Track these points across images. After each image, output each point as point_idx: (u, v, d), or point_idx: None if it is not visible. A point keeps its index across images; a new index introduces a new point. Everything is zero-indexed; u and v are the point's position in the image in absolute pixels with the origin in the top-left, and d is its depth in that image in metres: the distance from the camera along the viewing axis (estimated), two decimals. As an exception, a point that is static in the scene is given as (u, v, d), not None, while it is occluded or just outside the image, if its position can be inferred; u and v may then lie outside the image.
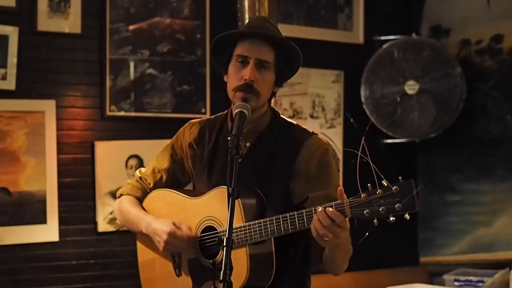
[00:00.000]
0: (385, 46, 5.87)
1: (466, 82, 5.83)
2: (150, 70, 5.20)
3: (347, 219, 2.45)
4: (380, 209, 2.37)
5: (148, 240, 2.96)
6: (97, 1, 5.05)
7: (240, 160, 2.56)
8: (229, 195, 2.42)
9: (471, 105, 5.92)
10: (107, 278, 5.05)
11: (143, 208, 3.06)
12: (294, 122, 2.95)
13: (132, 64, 5.14)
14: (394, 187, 2.36)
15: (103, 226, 5.03)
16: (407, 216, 2.35)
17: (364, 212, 2.40)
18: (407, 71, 5.83)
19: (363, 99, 5.87)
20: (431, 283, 5.80)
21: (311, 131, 2.89)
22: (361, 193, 2.41)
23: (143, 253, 3.08)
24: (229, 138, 2.55)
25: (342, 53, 5.96)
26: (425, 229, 6.23)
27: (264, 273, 2.68)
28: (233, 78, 2.80)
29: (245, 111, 2.68)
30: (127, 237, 5.03)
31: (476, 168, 6.00)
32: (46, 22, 4.86)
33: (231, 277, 2.44)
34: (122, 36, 5.10)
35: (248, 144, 2.80)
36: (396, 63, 5.84)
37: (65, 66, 4.99)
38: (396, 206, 2.35)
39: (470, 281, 5.43)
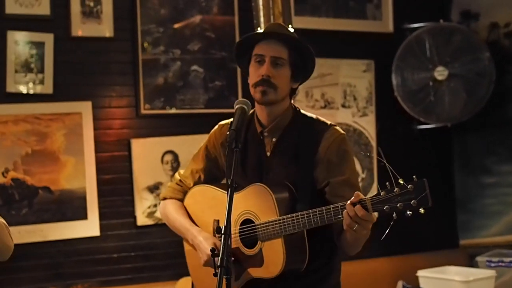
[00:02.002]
0: (414, 33, 5.81)
1: (496, 65, 5.75)
2: (182, 68, 5.27)
3: (373, 213, 2.65)
4: (398, 205, 2.54)
5: None
6: (128, 4, 5.14)
7: (268, 154, 3.02)
8: (228, 186, 2.60)
9: (502, 87, 5.84)
10: (147, 269, 5.14)
11: (185, 208, 3.26)
12: (314, 116, 3.14)
13: (164, 64, 5.21)
14: (409, 185, 2.53)
15: (142, 219, 5.12)
16: (422, 210, 2.52)
17: (384, 208, 2.58)
18: (436, 57, 5.78)
19: (394, 87, 5.83)
20: (471, 265, 5.74)
21: (329, 123, 3.09)
22: (380, 191, 2.59)
23: (188, 244, 3.24)
24: (228, 132, 2.74)
25: (372, 43, 5.93)
26: (463, 212, 6.17)
27: (299, 257, 2.89)
28: (253, 76, 3.01)
29: (245, 107, 2.85)
30: (166, 229, 4.98)
31: (510, 150, 5.93)
32: (80, 27, 4.97)
33: (271, 264, 2.86)
34: (154, 37, 5.18)
35: (274, 139, 3.05)
36: (426, 49, 5.79)
37: (100, 68, 5.09)
38: (412, 202, 2.53)
39: (502, 261, 5.37)
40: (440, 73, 5.76)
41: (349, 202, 2.65)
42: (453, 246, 6.20)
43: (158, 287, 5.07)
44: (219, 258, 2.47)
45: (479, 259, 5.52)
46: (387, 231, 2.62)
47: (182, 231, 3.21)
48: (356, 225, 2.64)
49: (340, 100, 5.78)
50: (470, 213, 6.12)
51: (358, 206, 2.62)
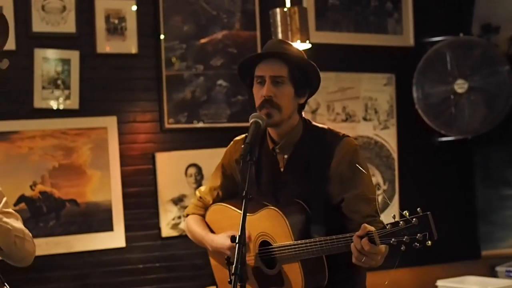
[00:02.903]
0: (434, 47, 5.78)
1: (515, 78, 5.71)
2: (205, 83, 5.29)
3: (380, 246, 2.61)
4: (404, 239, 2.51)
5: None
6: (152, 21, 5.18)
7: (282, 170, 2.99)
8: (243, 197, 2.61)
9: (521, 100, 5.80)
10: (172, 280, 5.16)
11: (207, 223, 3.30)
12: (326, 126, 3.08)
13: (188, 79, 5.24)
14: (414, 219, 2.50)
15: (166, 231, 5.15)
16: (429, 243, 2.49)
17: (391, 241, 2.55)
18: (457, 71, 5.76)
19: (415, 100, 5.81)
20: (492, 275, 5.69)
21: (341, 134, 3.01)
22: (385, 225, 2.56)
23: (214, 256, 3.27)
24: (242, 146, 2.75)
25: (393, 57, 5.91)
26: (484, 223, 6.12)
27: (319, 276, 2.87)
28: (256, 98, 2.98)
29: (260, 121, 2.83)
30: (190, 241, 4.96)
31: (530, 162, 5.89)
32: (105, 44, 5.03)
33: (292, 285, 2.86)
34: (177, 53, 5.20)
35: (286, 156, 3.01)
36: (446, 63, 5.76)
37: (124, 84, 5.14)
38: (417, 236, 2.49)
39: (521, 272, 5.34)
40: (460, 86, 5.73)
41: (355, 234, 2.62)
42: (475, 257, 6.14)
43: None
44: (234, 266, 2.49)
45: (498, 269, 5.49)
46: (396, 262, 2.62)
47: (202, 240, 3.24)
48: (364, 257, 2.61)
49: (361, 113, 5.77)
50: (492, 224, 6.07)
51: (364, 240, 2.58)
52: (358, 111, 5.76)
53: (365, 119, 5.78)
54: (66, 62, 4.92)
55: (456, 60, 5.78)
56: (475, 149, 6.14)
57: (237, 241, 2.54)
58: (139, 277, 5.09)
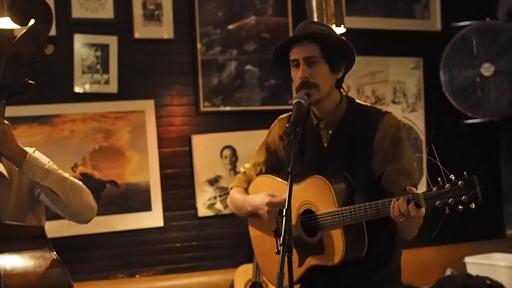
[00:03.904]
0: (461, 32, 5.77)
1: (541, 61, 5.70)
2: (239, 68, 5.34)
3: (421, 209, 2.64)
4: (449, 201, 2.53)
5: (256, 220, 3.20)
6: (187, 8, 5.23)
7: (325, 145, 2.99)
8: (288, 173, 2.63)
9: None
10: (208, 258, 5.23)
11: (248, 193, 3.30)
12: (369, 104, 3.10)
13: (222, 64, 5.29)
14: (460, 182, 2.51)
15: (203, 211, 5.21)
16: (473, 205, 2.50)
17: (436, 203, 2.57)
18: (483, 55, 5.76)
19: (442, 83, 5.82)
20: (516, 254, 5.71)
21: (384, 110, 3.02)
22: (432, 187, 2.58)
23: (254, 230, 3.28)
24: (287, 125, 2.78)
25: (421, 41, 5.93)
26: (509, 204, 6.15)
27: (358, 246, 2.87)
28: (295, 80, 2.99)
29: (302, 101, 2.85)
30: (225, 220, 5.23)
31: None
32: (142, 30, 5.08)
33: (332, 253, 2.86)
34: (212, 39, 5.24)
35: (330, 132, 3.01)
36: (472, 47, 5.77)
37: (161, 69, 5.19)
38: (462, 198, 2.50)
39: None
40: (487, 69, 5.74)
41: (402, 197, 2.64)
42: (501, 236, 6.18)
43: (218, 275, 5.13)
44: (281, 237, 2.52)
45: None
46: (439, 225, 2.61)
47: (242, 204, 3.24)
48: (404, 218, 2.65)
49: (390, 96, 5.80)
50: (517, 205, 6.08)
51: (411, 205, 2.61)
52: (387, 94, 5.79)
53: (393, 102, 5.81)
54: (104, 47, 4.98)
55: (482, 44, 5.80)
56: (501, 131, 6.18)
57: (284, 213, 2.57)
58: (177, 255, 5.17)
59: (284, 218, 2.56)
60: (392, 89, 5.80)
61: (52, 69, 4.80)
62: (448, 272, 5.59)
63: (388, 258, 3.03)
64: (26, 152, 2.73)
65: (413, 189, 2.65)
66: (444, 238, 5.75)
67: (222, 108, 5.28)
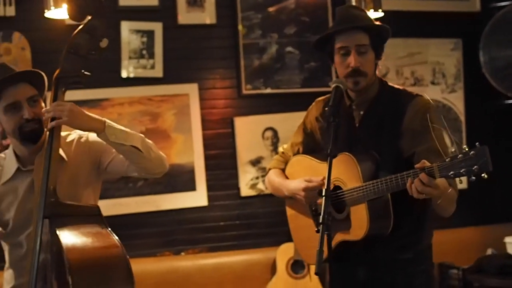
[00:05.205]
0: (500, 12, 5.85)
1: None
2: (279, 51, 5.52)
3: (436, 180, 2.71)
4: (461, 171, 2.61)
5: (292, 198, 3.35)
6: (229, -8, 5.40)
7: (357, 125, 3.12)
8: (328, 155, 2.79)
9: None
10: (250, 237, 5.43)
11: (285, 175, 3.45)
12: (401, 87, 3.21)
13: (262, 47, 5.48)
14: (472, 152, 2.58)
15: (245, 191, 5.42)
16: (485, 175, 2.58)
17: (449, 173, 2.64)
18: (523, 34, 5.82)
19: (482, 64, 5.86)
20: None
21: (415, 93, 3.14)
22: (445, 158, 2.66)
23: (290, 209, 3.45)
24: (326, 108, 2.92)
25: (460, 22, 5.99)
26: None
27: (383, 223, 2.99)
28: (341, 67, 3.11)
29: (341, 85, 2.99)
30: (267, 200, 5.39)
31: None
32: (186, 16, 5.29)
33: (357, 228, 2.98)
34: (253, 23, 5.45)
35: (361, 113, 3.15)
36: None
37: (204, 53, 5.39)
38: (474, 168, 2.57)
39: None
40: (526, 49, 5.80)
41: (416, 166, 2.73)
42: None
43: (260, 253, 5.32)
44: (321, 216, 2.66)
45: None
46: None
47: (279, 187, 3.39)
48: (423, 195, 2.73)
49: (429, 77, 5.91)
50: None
51: (422, 174, 2.70)
52: (426, 76, 5.90)
53: (433, 83, 5.91)
54: (150, 33, 5.21)
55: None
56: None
57: (323, 193, 2.71)
58: (220, 233, 5.38)
59: (324, 198, 2.70)
60: (431, 70, 5.90)
61: (102, 54, 5.05)
62: (489, 252, 5.64)
63: (418, 237, 3.13)
64: (104, 120, 2.94)
65: (426, 162, 2.72)
66: (484, 218, 5.86)
67: (263, 91, 5.47)
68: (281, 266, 5.14)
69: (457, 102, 5.99)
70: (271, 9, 5.50)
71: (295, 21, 5.55)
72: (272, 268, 5.23)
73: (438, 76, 5.92)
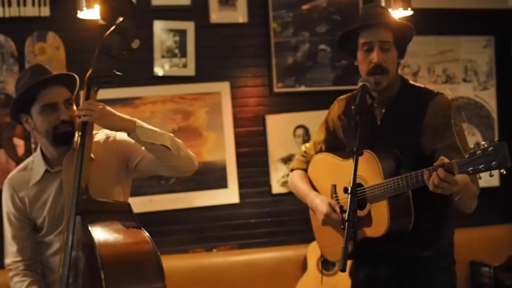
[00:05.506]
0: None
1: None
2: (311, 49, 5.54)
3: (457, 177, 2.72)
4: (480, 167, 2.61)
5: None
6: (260, -9, 5.42)
7: (378, 124, 3.13)
8: (354, 153, 2.81)
9: None
10: (282, 234, 5.45)
11: (308, 177, 3.49)
12: (422, 85, 3.23)
13: (294, 45, 5.50)
14: (490, 148, 2.59)
15: (276, 188, 5.45)
16: (503, 171, 2.59)
17: (468, 170, 2.66)
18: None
19: (514, 61, 5.89)
20: None
21: (436, 91, 3.15)
22: (464, 154, 2.67)
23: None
24: (353, 107, 2.91)
25: (492, 19, 5.95)
26: None
27: (404, 220, 3.01)
28: (363, 63, 3.13)
29: (367, 84, 3.02)
30: (298, 197, 5.40)
31: None
32: (217, 15, 5.34)
33: (378, 225, 3.00)
34: (284, 21, 5.47)
35: (383, 110, 3.17)
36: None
37: (236, 51, 5.43)
38: (492, 164, 2.58)
39: None
40: (559, 45, 5.77)
41: (435, 164, 2.75)
42: None
43: (291, 250, 5.34)
44: (347, 213, 2.70)
45: None
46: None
47: (303, 196, 3.44)
48: (439, 189, 2.74)
49: (461, 75, 5.88)
50: None
51: (440, 169, 2.70)
52: (458, 73, 5.87)
53: (464, 80, 5.89)
54: (182, 32, 5.25)
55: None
56: None
57: (349, 191, 2.74)
58: (252, 230, 5.42)
59: (349, 196, 2.72)
60: (463, 67, 5.88)
61: (133, 54, 5.12)
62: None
63: (439, 234, 3.15)
64: (134, 120, 3.00)
65: (445, 158, 2.73)
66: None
67: (295, 89, 5.49)
68: (311, 263, 5.17)
69: (489, 99, 5.95)
70: (304, 7, 5.51)
71: (326, 20, 5.56)
72: (303, 265, 5.24)
73: (470, 74, 5.90)
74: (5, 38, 4.97)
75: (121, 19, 3.05)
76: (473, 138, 5.72)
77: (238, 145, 5.39)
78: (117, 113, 3.02)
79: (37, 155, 3.21)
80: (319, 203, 3.28)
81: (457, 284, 3.25)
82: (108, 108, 3.00)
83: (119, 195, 3.23)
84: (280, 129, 5.47)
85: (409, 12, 4.54)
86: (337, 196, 3.29)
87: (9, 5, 4.95)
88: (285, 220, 5.48)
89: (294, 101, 5.54)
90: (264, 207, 5.47)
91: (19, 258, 3.19)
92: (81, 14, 4.22)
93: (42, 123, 3.08)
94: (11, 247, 3.21)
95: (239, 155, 5.39)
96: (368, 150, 3.03)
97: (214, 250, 5.31)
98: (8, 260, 3.22)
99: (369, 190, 3.07)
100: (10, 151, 4.96)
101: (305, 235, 5.34)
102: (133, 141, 3.07)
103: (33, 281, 3.17)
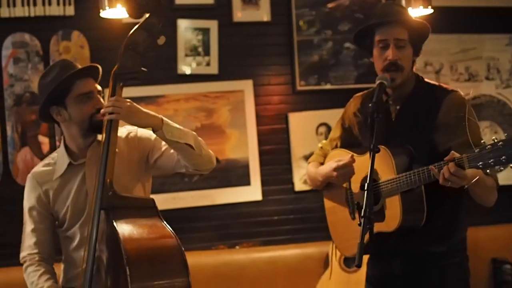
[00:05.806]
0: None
1: None
2: (334, 47, 5.55)
3: (467, 171, 2.74)
4: (490, 161, 2.64)
5: (329, 192, 3.47)
6: (283, -10, 5.44)
7: (393, 120, 3.15)
8: (371, 149, 2.83)
9: None
10: (304, 231, 5.46)
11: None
12: (437, 83, 3.25)
13: (317, 44, 5.51)
14: (500, 142, 2.62)
15: (299, 186, 5.47)
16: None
17: (478, 164, 2.68)
18: None
19: (537, 59, 5.86)
20: None
21: (450, 88, 3.18)
22: (475, 149, 2.69)
23: (328, 201, 3.55)
24: (370, 105, 2.93)
25: None
26: None
27: (417, 215, 3.03)
28: (378, 60, 3.18)
29: (385, 82, 3.06)
30: (321, 195, 5.31)
31: None
32: (241, 14, 5.36)
33: (391, 219, 3.02)
34: (307, 20, 5.49)
35: (398, 107, 3.21)
36: None
37: (259, 50, 5.46)
38: (502, 158, 2.61)
39: None
40: None
41: (446, 158, 2.77)
42: None
43: (313, 247, 5.33)
44: (363, 209, 2.70)
45: None
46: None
47: (315, 176, 3.46)
48: (449, 182, 2.77)
49: (483, 73, 5.86)
50: None
51: (450, 164, 2.73)
52: (481, 71, 5.85)
53: (487, 78, 5.87)
54: (205, 31, 5.29)
55: None
56: None
57: (366, 188, 2.74)
58: (274, 228, 5.43)
59: (366, 192, 2.73)
60: (485, 65, 5.86)
61: (157, 53, 5.15)
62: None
63: (452, 230, 3.16)
64: (161, 117, 3.04)
65: (455, 153, 2.76)
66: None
67: (317, 87, 5.50)
68: (334, 260, 5.17)
69: (512, 97, 5.95)
70: (330, 5, 5.53)
71: (349, 18, 5.57)
72: (325, 262, 5.25)
73: (493, 72, 5.89)
74: (30, 37, 5.03)
75: (147, 15, 3.07)
76: (496, 136, 5.69)
77: (260, 142, 5.41)
78: (144, 110, 3.05)
79: (60, 149, 3.27)
80: (326, 167, 3.32)
81: (479, 281, 3.28)
82: (135, 104, 3.04)
83: (140, 191, 3.27)
84: (302, 127, 5.48)
85: (430, 11, 4.54)
86: (351, 190, 3.32)
87: (34, 4, 5.00)
88: (308, 218, 5.49)
89: (317, 99, 5.55)
90: (286, 205, 5.48)
91: (35, 251, 3.22)
92: (103, 13, 4.26)
93: (79, 111, 3.13)
94: (28, 240, 3.24)
95: (261, 153, 5.41)
96: (382, 146, 3.03)
97: (237, 247, 5.32)
98: (24, 253, 3.25)
99: (382, 185, 3.09)
100: (35, 148, 5.01)
101: (327, 232, 5.23)
102: (153, 137, 3.11)
103: (46, 271, 3.20)
